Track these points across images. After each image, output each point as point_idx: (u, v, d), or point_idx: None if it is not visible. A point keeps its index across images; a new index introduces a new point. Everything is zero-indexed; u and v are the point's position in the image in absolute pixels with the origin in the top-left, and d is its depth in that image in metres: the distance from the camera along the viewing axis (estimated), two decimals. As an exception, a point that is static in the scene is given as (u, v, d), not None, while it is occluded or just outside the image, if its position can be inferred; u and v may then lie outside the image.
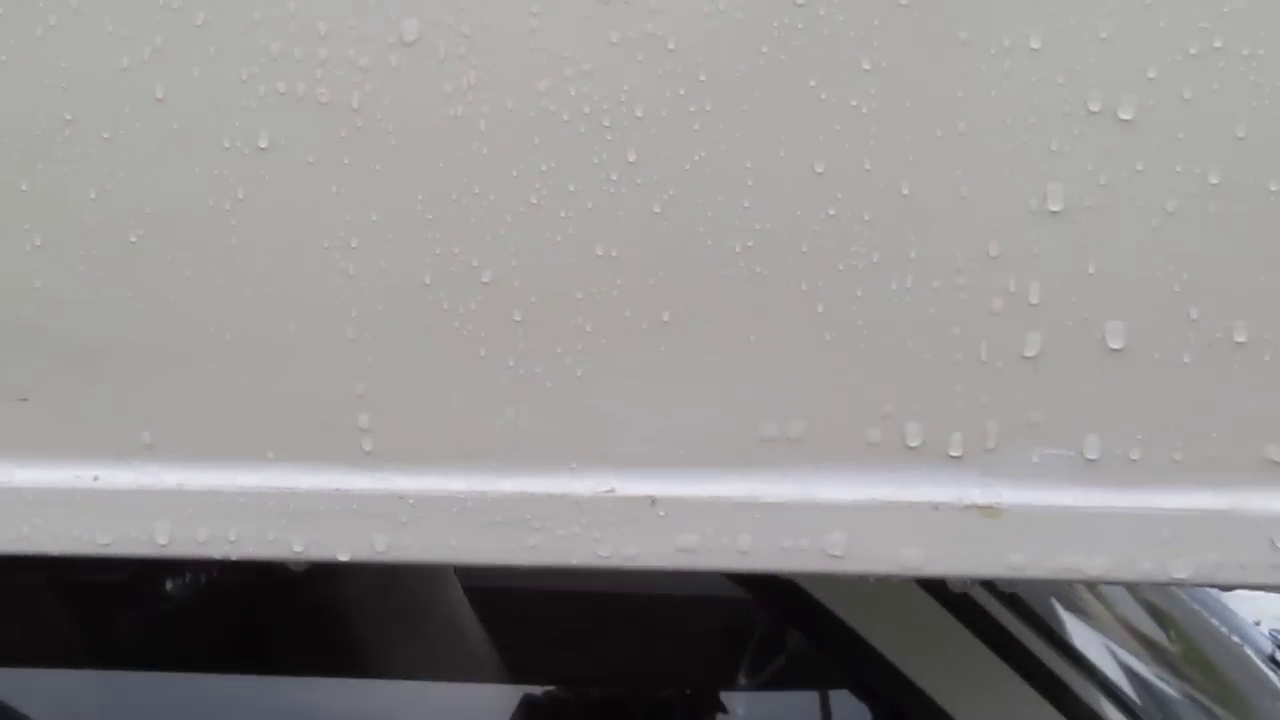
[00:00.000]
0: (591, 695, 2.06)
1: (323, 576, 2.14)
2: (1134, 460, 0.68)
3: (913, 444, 0.68)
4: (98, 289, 0.69)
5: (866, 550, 0.68)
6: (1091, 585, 2.01)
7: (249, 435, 0.70)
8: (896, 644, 1.33)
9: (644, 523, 0.68)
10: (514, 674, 2.36)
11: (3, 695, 1.81)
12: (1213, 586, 0.68)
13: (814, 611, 1.36)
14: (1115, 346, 0.67)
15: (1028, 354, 0.68)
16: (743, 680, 2.37)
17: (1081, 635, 1.65)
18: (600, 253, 0.68)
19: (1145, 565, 0.68)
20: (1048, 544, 0.68)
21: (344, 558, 0.69)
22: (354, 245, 0.68)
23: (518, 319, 0.68)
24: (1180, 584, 0.67)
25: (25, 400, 0.69)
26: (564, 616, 2.59)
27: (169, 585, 2.27)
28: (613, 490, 0.69)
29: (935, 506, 0.68)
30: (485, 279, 0.68)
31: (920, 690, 1.32)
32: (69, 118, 0.68)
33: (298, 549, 0.69)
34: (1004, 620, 1.38)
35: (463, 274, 0.68)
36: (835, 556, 0.68)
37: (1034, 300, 0.67)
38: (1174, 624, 2.10)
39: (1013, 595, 1.44)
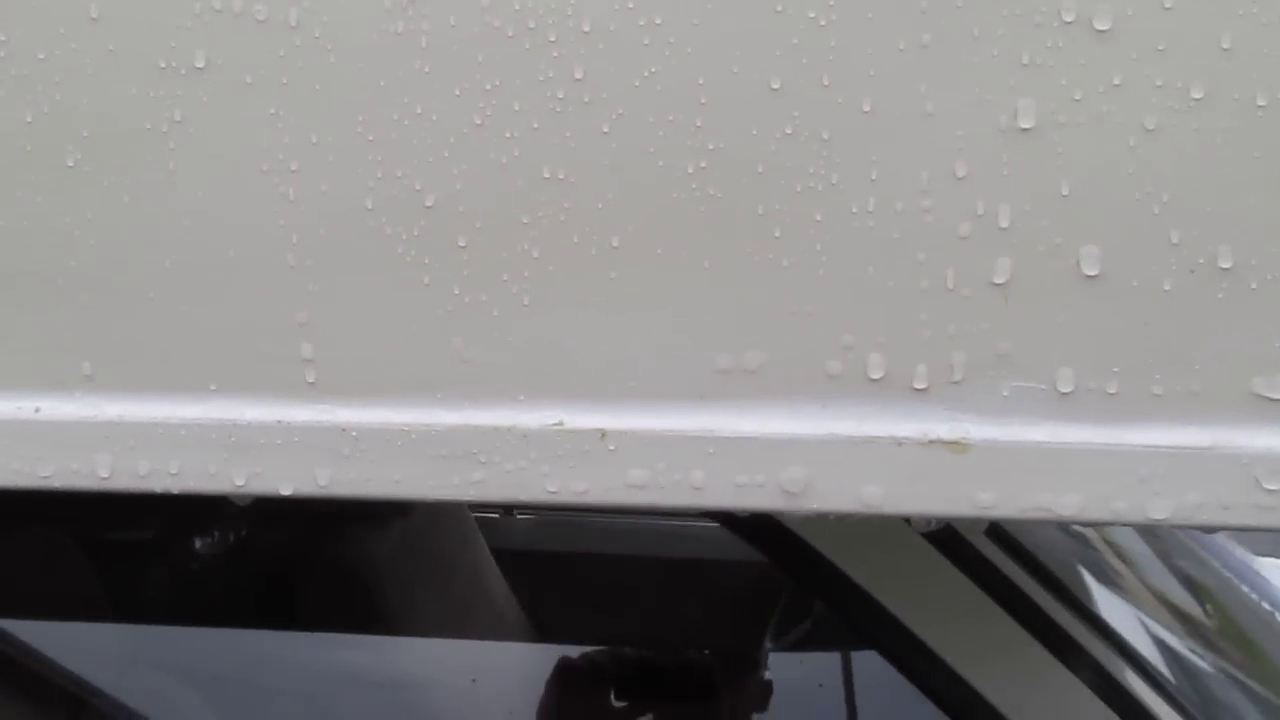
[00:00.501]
0: (628, 658, 2.04)
1: (349, 537, 2.14)
2: (1110, 394, 0.64)
3: (875, 376, 0.65)
4: (36, 217, 0.67)
5: (826, 487, 0.65)
6: (1121, 555, 1.97)
7: (190, 366, 0.68)
8: (915, 610, 1.30)
9: (594, 457, 0.66)
10: (541, 636, 2.36)
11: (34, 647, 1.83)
12: (1193, 528, 0.64)
13: (828, 574, 1.33)
14: (1090, 273, 0.63)
15: (997, 281, 0.64)
16: (769, 645, 2.35)
17: (1110, 606, 1.61)
18: (547, 175, 0.65)
19: (1120, 505, 0.64)
20: (1018, 481, 0.64)
21: (286, 491, 0.67)
22: (294, 169, 0.66)
23: (462, 244, 0.66)
24: (1158, 525, 0.63)
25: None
26: (590, 580, 2.59)
27: (198, 544, 2.29)
28: (561, 423, 0.66)
29: (898, 442, 0.65)
30: (429, 203, 0.65)
31: (940, 659, 1.29)
32: (2, 38, 0.66)
33: (239, 483, 0.67)
34: (1027, 588, 1.34)
35: (405, 198, 0.65)
36: (792, 494, 0.65)
37: (1003, 224, 0.63)
38: (1210, 597, 2.05)
39: (1036, 561, 1.40)
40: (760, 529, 1.30)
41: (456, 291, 0.66)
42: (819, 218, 0.64)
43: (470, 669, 2.22)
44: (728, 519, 1.32)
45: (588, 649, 2.07)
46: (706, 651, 2.10)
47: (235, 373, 0.68)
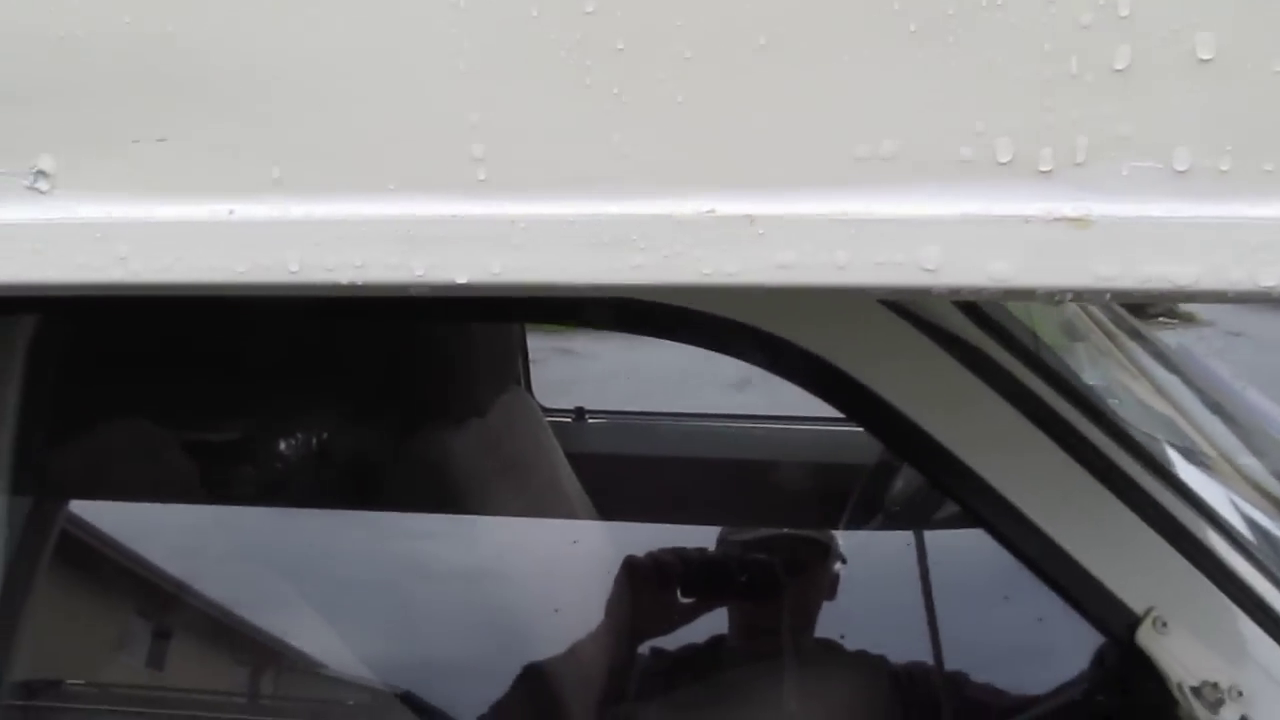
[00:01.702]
0: (693, 556, 2.10)
1: (428, 436, 2.21)
2: (1223, 171, 0.69)
3: (1003, 160, 0.71)
4: (229, 31, 0.74)
5: (958, 264, 0.71)
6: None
7: (370, 167, 0.74)
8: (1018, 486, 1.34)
9: (744, 241, 0.72)
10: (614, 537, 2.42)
11: (130, 532, 1.92)
12: (1303, 294, 0.69)
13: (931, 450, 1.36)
14: (1205, 57, 0.68)
15: (1117, 67, 0.69)
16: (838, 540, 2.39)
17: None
18: (698, -19, 0.70)
19: (1235, 274, 0.69)
20: (1137, 254, 0.70)
21: (462, 279, 0.73)
22: (464, -20, 0.72)
23: (620, 48, 0.72)
24: (1270, 294, 0.69)
25: (164, 141, 0.75)
26: (661, 481, 2.65)
27: (282, 445, 2.37)
28: (713, 210, 0.72)
29: (1025, 220, 0.70)
30: (589, 9, 0.71)
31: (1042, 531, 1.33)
32: None
33: (419, 273, 0.74)
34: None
35: (567, 6, 0.71)
36: (929, 270, 0.71)
37: (1123, 13, 0.68)
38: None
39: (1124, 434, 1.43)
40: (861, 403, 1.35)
41: (615, 91, 0.72)
42: (951, 12, 0.69)
43: (544, 557, 2.29)
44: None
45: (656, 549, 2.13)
46: (774, 542, 2.16)
47: (412, 172, 0.74)
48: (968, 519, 1.41)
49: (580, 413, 2.76)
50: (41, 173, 0.75)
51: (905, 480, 2.30)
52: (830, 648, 2.04)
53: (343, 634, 2.00)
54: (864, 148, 0.71)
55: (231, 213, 0.75)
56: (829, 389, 1.35)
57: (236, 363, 2.00)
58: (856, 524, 2.36)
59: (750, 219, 0.72)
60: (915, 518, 2.22)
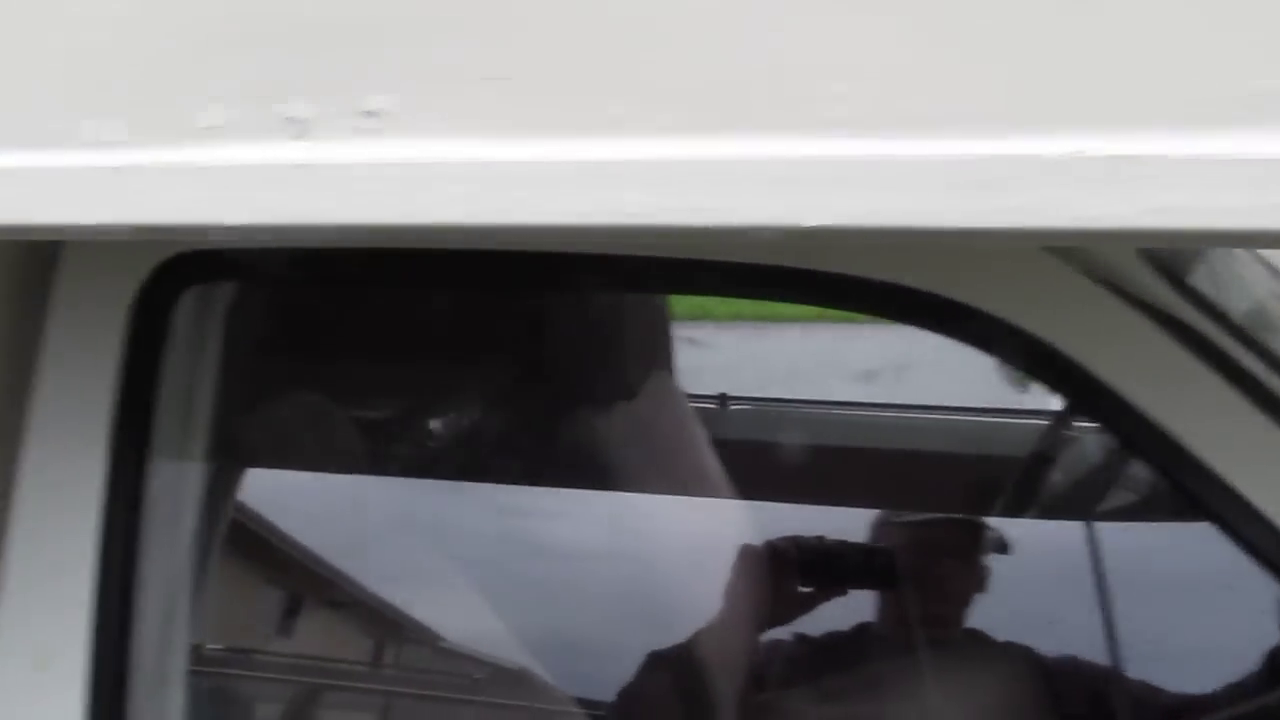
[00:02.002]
0: (811, 544, 2.05)
1: (577, 418, 2.20)
2: None
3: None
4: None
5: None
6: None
7: (723, 106, 0.71)
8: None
9: (1113, 181, 0.68)
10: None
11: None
12: None
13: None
14: None
15: None
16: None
17: None
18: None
19: None
20: None
21: (810, 223, 0.70)
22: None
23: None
24: None
25: (506, 79, 0.73)
26: (807, 469, 2.61)
27: (432, 425, 2.37)
28: (1081, 151, 0.69)
29: None
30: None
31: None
32: None
33: (766, 216, 0.71)
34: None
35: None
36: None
37: None
38: None
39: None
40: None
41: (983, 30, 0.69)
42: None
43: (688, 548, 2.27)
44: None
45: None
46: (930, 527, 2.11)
47: (763, 112, 0.71)
48: (1195, 515, 1.36)
49: (724, 399, 2.73)
50: (371, 113, 0.74)
51: (1065, 472, 2.25)
52: (979, 639, 1.99)
53: (477, 609, 2.00)
54: (1270, 82, 0.67)
55: (568, 152, 0.73)
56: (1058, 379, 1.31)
57: (397, 340, 2.00)
58: (1012, 515, 2.31)
59: (1121, 159, 0.68)
60: (1079, 510, 2.17)
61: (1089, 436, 2.21)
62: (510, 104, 0.72)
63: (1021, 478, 2.32)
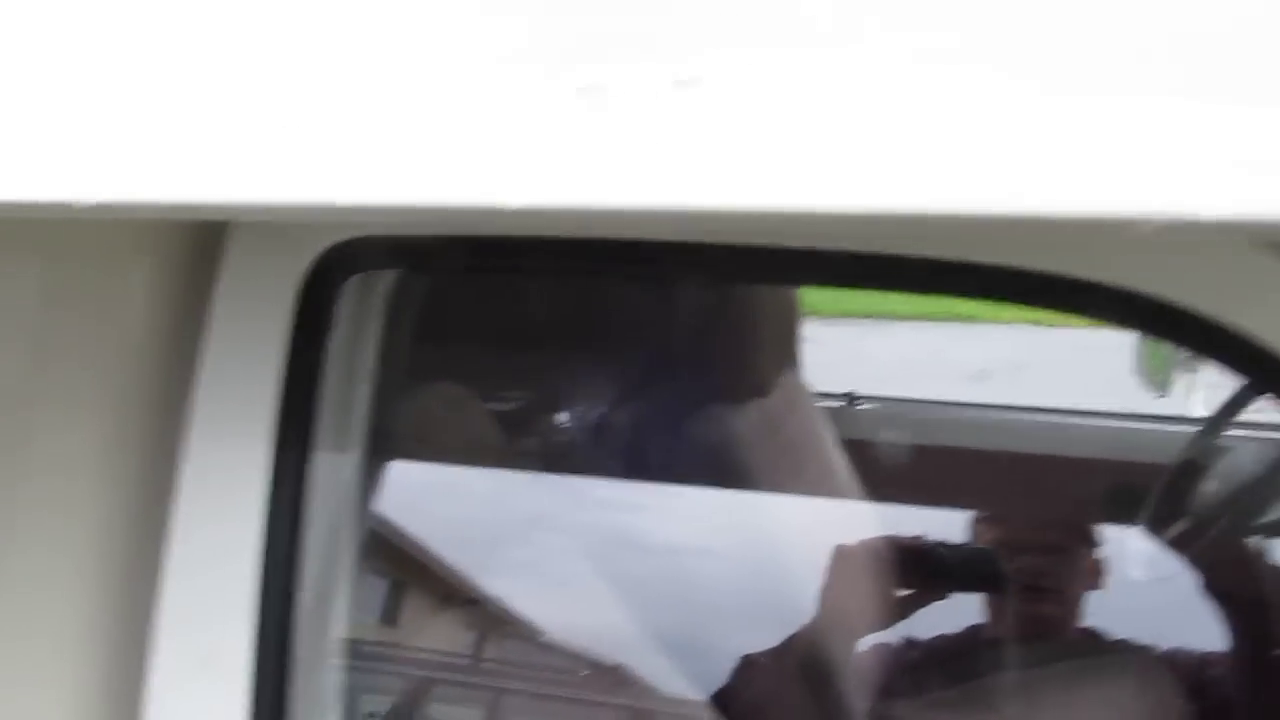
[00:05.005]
0: (910, 545, 1.98)
1: (710, 414, 2.16)
2: None
3: None
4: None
5: None
6: None
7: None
8: None
9: None
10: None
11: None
12: None
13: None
14: None
15: None
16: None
17: None
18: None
19: None
20: None
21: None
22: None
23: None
24: None
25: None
26: (936, 471, 2.55)
27: (557, 418, 2.34)
28: None
29: None
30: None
31: None
32: None
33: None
34: None
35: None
36: None
37: None
38: None
39: None
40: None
41: None
42: None
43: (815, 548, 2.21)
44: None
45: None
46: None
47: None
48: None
49: (851, 398, 2.67)
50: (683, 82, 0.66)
51: (1221, 483, 2.17)
52: (1099, 640, 1.89)
53: (591, 605, 1.97)
54: None
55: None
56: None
57: (534, 330, 1.98)
58: (1159, 525, 2.22)
59: None
60: (1235, 523, 2.09)
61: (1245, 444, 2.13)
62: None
63: (1170, 485, 2.23)
